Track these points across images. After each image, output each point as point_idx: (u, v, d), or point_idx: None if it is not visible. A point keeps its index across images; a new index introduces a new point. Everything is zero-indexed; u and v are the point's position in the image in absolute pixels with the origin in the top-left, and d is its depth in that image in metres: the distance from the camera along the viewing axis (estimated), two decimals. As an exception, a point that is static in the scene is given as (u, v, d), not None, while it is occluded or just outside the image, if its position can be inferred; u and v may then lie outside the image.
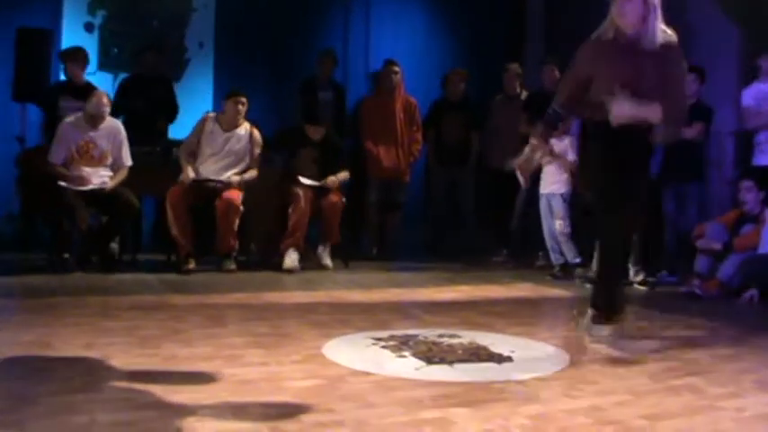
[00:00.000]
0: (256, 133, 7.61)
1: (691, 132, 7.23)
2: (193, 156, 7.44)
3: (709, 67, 7.60)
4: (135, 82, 8.80)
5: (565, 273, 7.46)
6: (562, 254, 7.50)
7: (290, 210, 7.41)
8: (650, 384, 3.74)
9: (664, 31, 4.61)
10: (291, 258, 7.31)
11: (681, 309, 6.07)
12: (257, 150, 7.60)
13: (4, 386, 3.39)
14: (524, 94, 8.77)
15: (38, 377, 3.50)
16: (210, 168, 7.38)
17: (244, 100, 7.50)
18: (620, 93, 4.43)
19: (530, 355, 4.35)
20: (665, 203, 7.54)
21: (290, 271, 7.23)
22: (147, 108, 8.51)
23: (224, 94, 7.87)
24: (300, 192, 7.42)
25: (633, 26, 4.55)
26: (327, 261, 7.56)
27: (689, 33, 8.95)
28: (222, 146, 7.44)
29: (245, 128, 7.55)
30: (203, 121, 7.53)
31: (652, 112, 4.47)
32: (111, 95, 7.73)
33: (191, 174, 7.24)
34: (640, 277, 7.11)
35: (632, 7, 4.53)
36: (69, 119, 7.27)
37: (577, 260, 7.43)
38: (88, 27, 10.14)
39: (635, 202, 4.67)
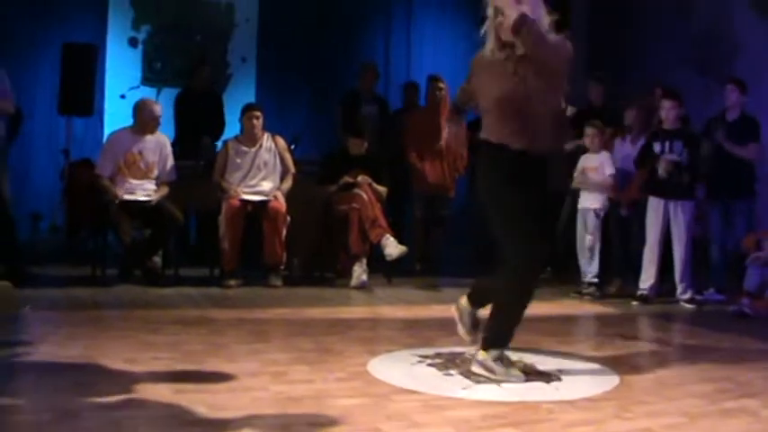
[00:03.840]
0: (279, 140, 7.61)
1: (746, 152, 7.13)
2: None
3: (754, 81, 7.50)
4: (188, 96, 8.85)
5: (596, 289, 7.35)
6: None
7: (352, 215, 7.35)
8: (703, 406, 3.65)
9: None
10: (390, 244, 7.24)
11: (730, 328, 5.95)
12: (287, 155, 7.61)
13: (47, 400, 3.38)
14: (569, 110, 8.65)
15: (81, 391, 3.48)
16: (247, 187, 7.34)
17: (257, 114, 7.48)
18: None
19: (578, 374, 4.27)
20: (711, 220, 7.42)
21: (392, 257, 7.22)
22: (197, 123, 8.57)
23: (266, 108, 7.86)
24: (360, 191, 7.42)
25: None
26: (363, 277, 7.37)
27: (734, 47, 8.89)
28: (251, 163, 7.41)
29: (266, 139, 7.53)
30: (225, 148, 7.53)
31: None
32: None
33: (237, 189, 7.24)
34: (687, 295, 6.98)
35: None
36: (116, 131, 7.33)
37: (595, 280, 7.35)
38: (132, 42, 10.22)
39: None
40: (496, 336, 4.15)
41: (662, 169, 6.88)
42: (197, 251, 8.31)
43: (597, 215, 7.35)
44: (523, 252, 4.02)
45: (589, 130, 7.43)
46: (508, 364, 4.08)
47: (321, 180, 7.79)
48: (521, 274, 4.06)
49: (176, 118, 8.72)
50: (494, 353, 4.07)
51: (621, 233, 7.51)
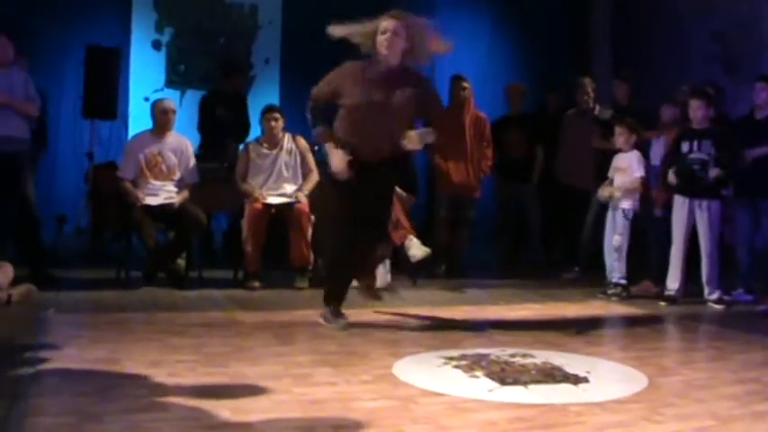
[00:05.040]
0: (300, 140, 7.55)
1: None
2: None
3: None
4: (214, 98, 8.81)
5: (622, 290, 7.24)
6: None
7: None
8: (734, 409, 3.59)
9: None
10: (414, 245, 7.05)
11: (759, 328, 5.85)
12: (309, 155, 7.54)
13: (70, 403, 3.36)
14: (597, 109, 8.59)
15: (104, 395, 3.47)
16: (270, 189, 7.32)
17: (277, 115, 7.43)
18: None
19: (606, 375, 4.22)
20: (739, 220, 7.32)
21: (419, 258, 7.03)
22: (222, 125, 8.55)
23: (290, 109, 7.84)
24: None
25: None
26: (387, 278, 7.26)
27: (763, 45, 8.80)
28: (272, 165, 7.37)
29: (287, 140, 7.50)
30: (246, 151, 7.49)
31: None
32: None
33: (260, 192, 7.21)
34: (715, 296, 6.89)
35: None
36: (137, 134, 7.38)
37: (623, 281, 7.22)
38: (156, 44, 10.26)
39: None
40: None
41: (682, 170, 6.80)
42: (222, 253, 8.31)
43: (626, 215, 7.23)
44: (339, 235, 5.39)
45: (618, 129, 7.30)
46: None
47: None
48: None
49: (202, 120, 8.70)
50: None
51: (656, 234, 7.42)
